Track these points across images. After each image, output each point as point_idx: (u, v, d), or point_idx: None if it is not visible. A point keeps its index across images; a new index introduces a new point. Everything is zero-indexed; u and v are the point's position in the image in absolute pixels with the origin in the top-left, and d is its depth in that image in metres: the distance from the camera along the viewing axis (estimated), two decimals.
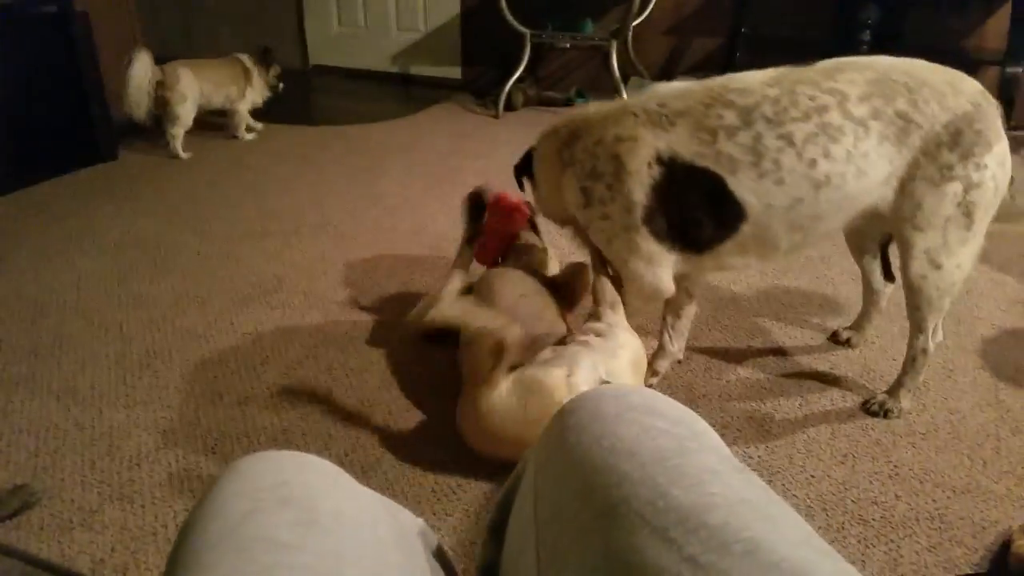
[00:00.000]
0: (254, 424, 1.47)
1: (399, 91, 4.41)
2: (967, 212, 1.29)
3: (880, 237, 1.62)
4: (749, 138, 1.24)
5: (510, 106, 3.83)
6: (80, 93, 2.93)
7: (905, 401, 1.49)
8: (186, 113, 3.10)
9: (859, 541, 1.18)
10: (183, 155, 3.12)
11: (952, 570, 1.13)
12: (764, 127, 1.24)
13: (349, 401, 1.54)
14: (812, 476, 1.32)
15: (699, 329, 1.79)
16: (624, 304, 1.41)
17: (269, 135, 3.46)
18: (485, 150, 3.26)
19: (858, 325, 1.77)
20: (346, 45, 4.64)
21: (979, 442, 1.42)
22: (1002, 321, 1.85)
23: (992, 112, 1.28)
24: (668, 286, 1.39)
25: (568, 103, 3.92)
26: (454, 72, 4.37)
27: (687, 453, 0.47)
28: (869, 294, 1.72)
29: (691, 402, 1.52)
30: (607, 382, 1.24)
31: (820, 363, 1.68)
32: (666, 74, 3.97)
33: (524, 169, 1.57)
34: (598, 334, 1.33)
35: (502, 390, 1.24)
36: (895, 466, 1.35)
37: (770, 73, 1.30)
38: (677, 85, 1.35)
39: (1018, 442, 1.42)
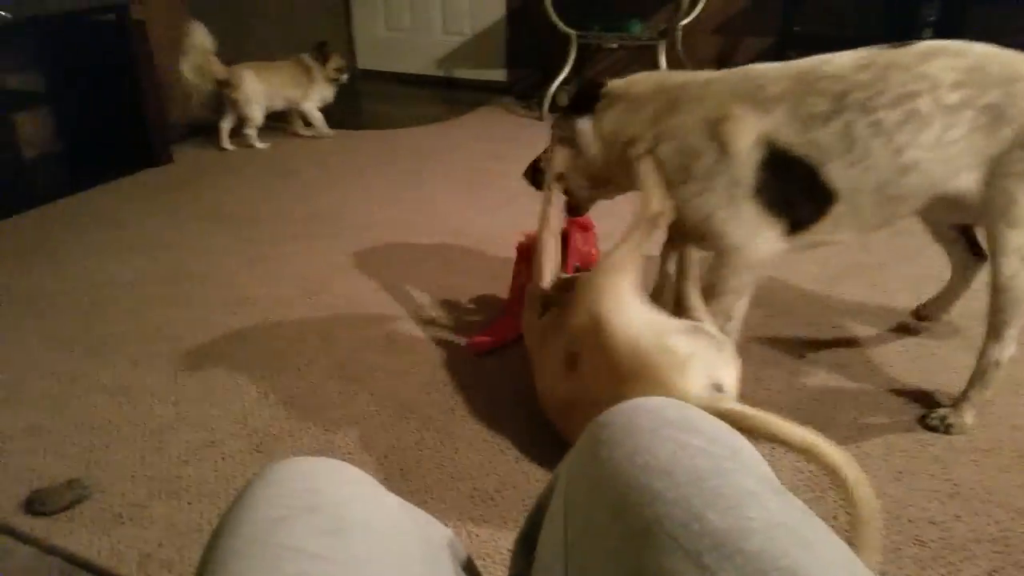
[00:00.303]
0: (298, 424, 1.48)
1: (444, 94, 4.43)
2: None
3: (958, 223, 1.58)
4: (841, 125, 1.25)
5: (555, 108, 3.82)
6: (136, 99, 3.02)
7: (968, 417, 1.42)
8: (254, 113, 3.29)
9: (915, 563, 1.13)
10: (260, 146, 3.33)
11: None
12: (855, 114, 1.24)
13: (390, 404, 1.54)
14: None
15: (749, 336, 1.74)
16: (718, 287, 1.40)
17: (318, 139, 3.51)
18: (528, 153, 3.20)
19: (944, 301, 1.74)
20: (393, 49, 4.69)
21: None
22: None
23: None
24: (770, 255, 1.38)
25: None
26: (498, 75, 4.37)
27: (724, 474, 0.45)
28: (957, 271, 1.69)
29: None
30: (718, 390, 1.18)
31: (875, 374, 1.62)
32: None
33: (581, 108, 1.50)
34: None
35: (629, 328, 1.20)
36: (955, 484, 1.29)
37: (861, 55, 1.28)
38: (772, 67, 1.35)
39: None
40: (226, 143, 3.34)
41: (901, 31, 3.33)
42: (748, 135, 1.29)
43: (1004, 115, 1.21)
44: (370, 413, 1.52)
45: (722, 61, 3.88)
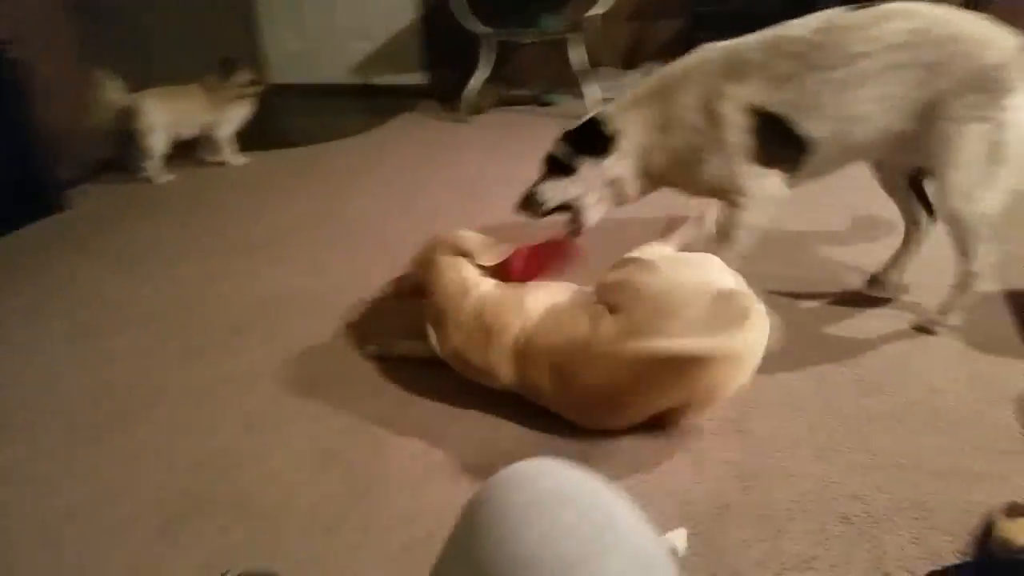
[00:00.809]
0: (208, 491, 1.44)
1: (365, 103, 4.37)
2: (998, 149, 1.41)
3: (909, 172, 1.75)
4: (798, 85, 1.48)
5: (477, 109, 3.81)
6: (20, 144, 2.77)
7: (953, 319, 1.64)
8: (156, 143, 3.09)
9: (842, 542, 1.17)
10: (163, 179, 3.13)
11: (937, 561, 1.12)
12: (813, 74, 1.47)
13: (310, 453, 1.52)
14: (792, 476, 1.31)
15: None
16: (733, 232, 1.65)
17: (232, 166, 3.40)
18: (453, 158, 3.24)
19: (897, 263, 1.84)
20: (306, 60, 4.61)
21: (956, 419, 1.41)
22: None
23: (1021, 64, 1.40)
24: (782, 191, 1.61)
25: (539, 101, 3.89)
26: (418, 78, 4.34)
27: (589, 559, 0.46)
28: (910, 232, 1.81)
29: None
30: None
31: (797, 352, 1.66)
32: (632, 61, 3.95)
33: (587, 143, 1.70)
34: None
35: None
36: (874, 455, 1.34)
37: (821, 18, 1.50)
38: (748, 40, 1.58)
39: (995, 414, 1.41)
40: (159, 178, 3.16)
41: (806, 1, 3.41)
42: (731, 104, 1.53)
43: (942, 70, 1.41)
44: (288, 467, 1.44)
45: (637, 47, 3.92)
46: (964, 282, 1.60)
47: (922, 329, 1.67)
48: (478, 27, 3.63)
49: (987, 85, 1.39)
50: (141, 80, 3.20)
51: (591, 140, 1.71)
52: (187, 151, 3.35)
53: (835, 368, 1.59)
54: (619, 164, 1.70)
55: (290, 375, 1.75)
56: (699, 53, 1.63)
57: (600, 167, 1.71)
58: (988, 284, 1.83)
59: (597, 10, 3.61)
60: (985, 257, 1.55)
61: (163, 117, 3.09)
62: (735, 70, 1.54)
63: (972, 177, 1.44)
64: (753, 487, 1.29)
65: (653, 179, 1.73)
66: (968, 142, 1.42)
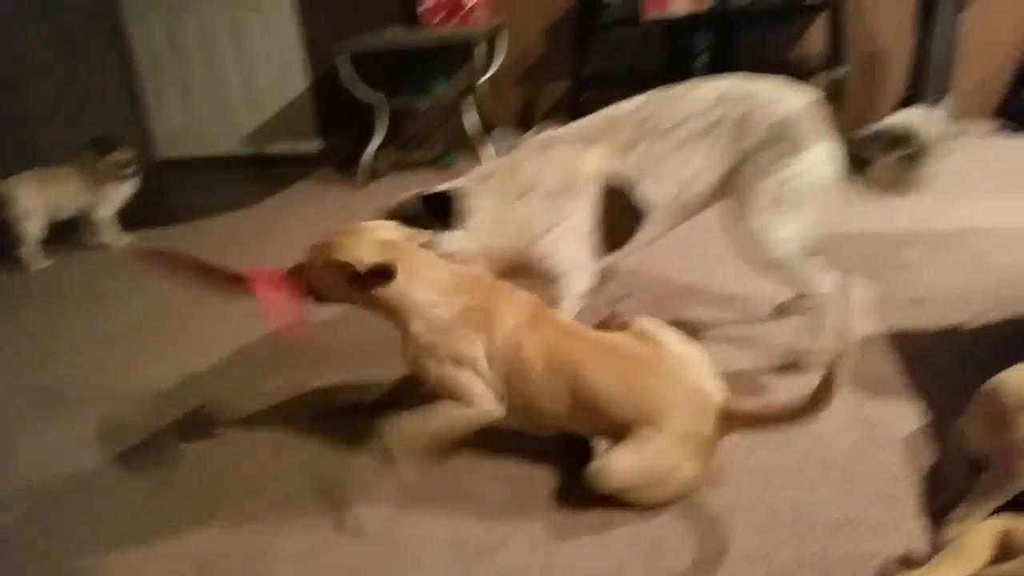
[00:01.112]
0: None
1: (258, 173, 4.26)
2: (787, 199, 1.56)
3: None
4: (640, 152, 1.59)
5: (374, 174, 3.77)
6: None
7: (819, 355, 1.67)
8: (31, 229, 2.95)
9: None
10: (40, 265, 3.00)
11: None
12: (648, 142, 1.59)
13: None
14: (688, 541, 1.28)
15: None
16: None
17: (113, 247, 3.22)
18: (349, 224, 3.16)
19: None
20: (195, 133, 4.48)
21: (848, 467, 1.42)
22: (857, 328, 1.89)
23: (811, 118, 1.56)
24: (589, 285, 1.73)
25: (438, 163, 3.89)
26: (312, 146, 4.28)
27: None
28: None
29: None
30: None
31: None
32: (525, 121, 4.02)
33: (440, 210, 1.63)
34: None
35: None
36: (772, 511, 1.33)
37: (643, 97, 1.65)
38: (590, 117, 1.69)
39: (885, 459, 1.43)
40: (34, 264, 3.00)
41: (680, 60, 3.58)
42: (582, 172, 1.62)
43: (746, 126, 1.57)
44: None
45: (528, 108, 4.01)
46: (817, 311, 1.67)
47: (792, 368, 1.72)
48: (369, 95, 3.63)
49: (783, 139, 1.54)
50: (23, 162, 3.03)
51: (440, 210, 1.64)
52: (68, 232, 3.18)
53: None
54: (460, 240, 1.63)
55: (164, 475, 1.62)
56: (543, 134, 1.70)
57: (439, 239, 1.62)
58: (869, 326, 1.90)
59: (485, 76, 3.69)
60: (820, 283, 1.64)
61: (36, 202, 2.93)
62: (583, 143, 1.63)
63: (770, 221, 1.58)
64: (656, 554, 1.25)
65: (492, 260, 1.68)
66: (768, 190, 1.56)
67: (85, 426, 1.84)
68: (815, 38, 3.57)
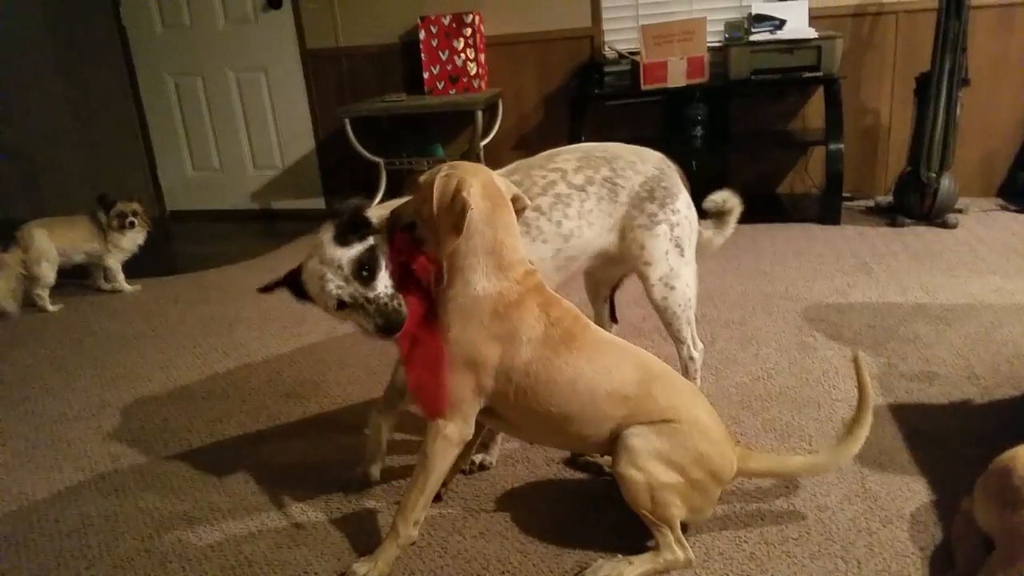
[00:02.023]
0: None
1: (262, 228, 4.30)
2: (678, 244, 1.67)
3: (613, 283, 1.94)
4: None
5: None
6: None
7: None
8: (46, 273, 3.10)
9: None
10: (52, 308, 3.10)
11: None
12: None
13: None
14: None
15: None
16: None
17: (120, 293, 3.25)
18: None
19: None
20: (203, 188, 4.54)
21: (851, 540, 1.37)
22: None
23: (672, 172, 1.69)
24: None
25: None
26: (317, 203, 4.32)
27: None
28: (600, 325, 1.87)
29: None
30: None
31: None
32: None
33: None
34: None
35: None
36: None
37: (512, 166, 1.66)
38: None
39: (889, 534, 1.38)
40: (48, 306, 3.11)
41: (677, 129, 3.65)
42: None
43: (617, 184, 1.64)
44: None
45: None
46: (689, 368, 1.78)
47: None
48: (371, 157, 3.72)
49: (655, 194, 1.64)
50: (42, 212, 3.27)
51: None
52: (82, 277, 3.32)
53: (727, 490, 1.54)
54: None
55: (164, 513, 1.59)
56: None
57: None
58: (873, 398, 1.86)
59: (484, 140, 3.80)
60: (693, 345, 1.75)
61: (49, 245, 3.10)
62: None
63: (665, 270, 1.67)
64: None
65: None
66: (657, 242, 1.65)
67: (88, 464, 1.81)
68: (814, 111, 3.65)
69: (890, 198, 3.48)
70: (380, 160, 3.71)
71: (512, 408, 1.33)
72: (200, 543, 1.52)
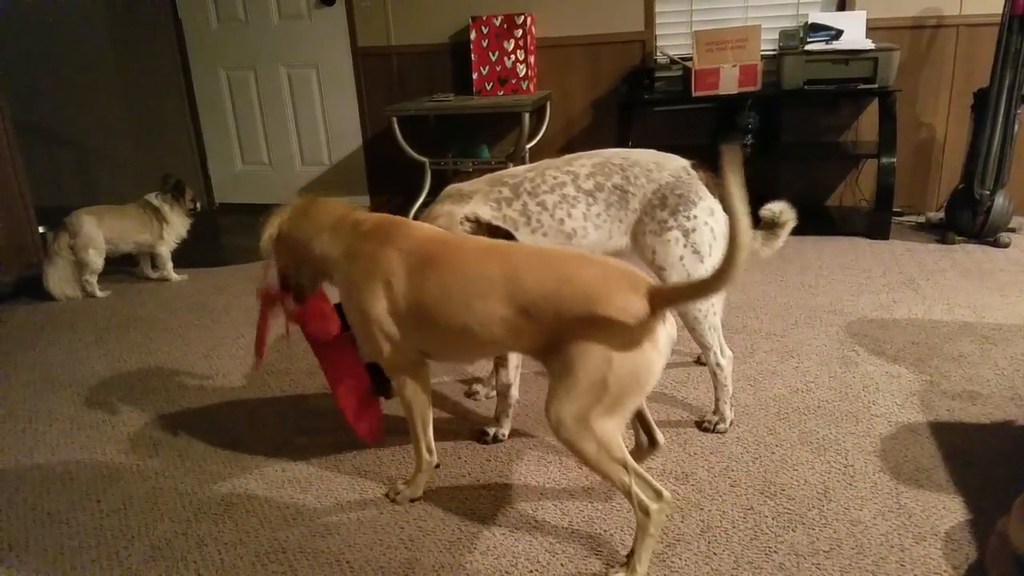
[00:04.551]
0: None
1: None
2: (696, 250, 1.69)
3: None
4: (520, 205, 1.73)
5: None
6: None
7: (727, 412, 1.81)
8: (93, 259, 3.18)
9: None
10: (100, 294, 3.19)
11: None
12: (527, 198, 1.73)
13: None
14: None
15: None
16: None
17: (167, 282, 3.34)
18: None
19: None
20: (251, 182, 4.64)
21: (883, 555, 1.35)
22: (899, 416, 1.83)
23: (691, 180, 1.70)
24: None
25: None
26: (361, 201, 4.39)
27: None
28: None
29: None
30: None
31: (711, 482, 1.61)
32: None
33: None
34: None
35: None
36: None
37: (530, 164, 1.78)
38: (481, 178, 1.81)
39: (921, 551, 1.36)
40: (97, 292, 3.20)
41: (726, 137, 3.62)
42: (456, 217, 1.73)
43: (630, 190, 1.71)
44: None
45: None
46: (718, 375, 1.78)
47: (706, 430, 1.81)
48: (417, 156, 3.77)
49: (667, 202, 1.68)
50: (93, 202, 3.32)
51: None
52: (130, 265, 3.43)
53: (759, 499, 1.54)
54: None
55: (202, 498, 1.64)
56: (450, 187, 1.83)
57: None
58: (912, 415, 1.84)
59: (531, 143, 3.81)
60: (720, 352, 1.76)
61: (98, 233, 3.16)
62: (461, 198, 1.77)
63: (681, 275, 1.70)
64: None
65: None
66: (669, 248, 1.69)
67: (131, 447, 1.88)
68: (867, 124, 3.58)
69: (941, 214, 3.40)
70: (426, 160, 3.75)
71: (426, 339, 1.45)
72: (236, 528, 1.56)
